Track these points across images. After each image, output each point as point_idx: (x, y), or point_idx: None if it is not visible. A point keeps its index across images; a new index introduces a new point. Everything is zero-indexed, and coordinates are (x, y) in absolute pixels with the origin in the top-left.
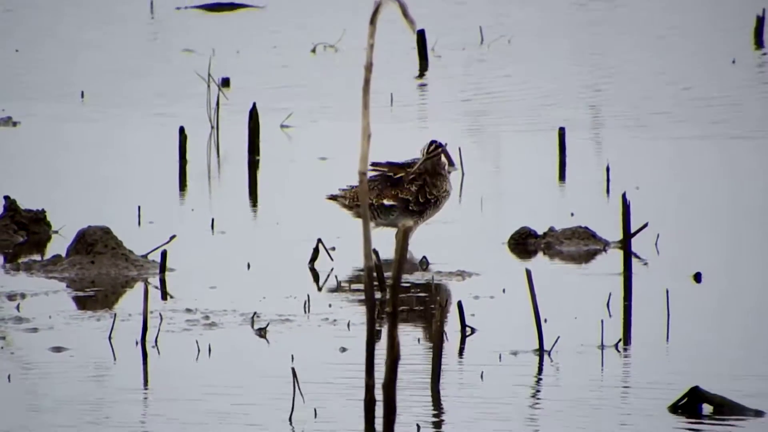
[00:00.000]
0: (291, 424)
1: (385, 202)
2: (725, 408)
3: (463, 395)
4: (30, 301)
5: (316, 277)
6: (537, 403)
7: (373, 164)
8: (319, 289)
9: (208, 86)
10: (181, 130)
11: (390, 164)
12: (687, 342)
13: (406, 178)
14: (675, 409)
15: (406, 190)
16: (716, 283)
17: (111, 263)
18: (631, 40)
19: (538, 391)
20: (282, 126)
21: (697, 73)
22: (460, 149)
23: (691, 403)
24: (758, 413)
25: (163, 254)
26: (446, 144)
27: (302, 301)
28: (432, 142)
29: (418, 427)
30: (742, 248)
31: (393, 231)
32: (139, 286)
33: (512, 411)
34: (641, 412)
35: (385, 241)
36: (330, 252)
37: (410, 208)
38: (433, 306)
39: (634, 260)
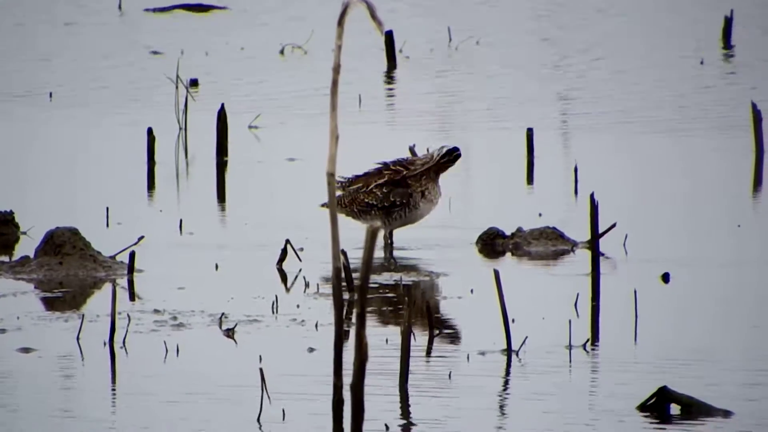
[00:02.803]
0: (259, 424)
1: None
2: (693, 408)
3: (431, 395)
4: None
5: (284, 277)
6: (505, 403)
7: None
8: (287, 289)
9: (177, 87)
10: (149, 131)
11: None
12: (655, 342)
13: (409, 174)
14: (643, 409)
15: (372, 194)
16: (684, 284)
17: (79, 264)
18: (599, 40)
19: (506, 391)
20: (250, 127)
21: (666, 74)
22: (428, 149)
23: (659, 403)
24: (726, 413)
25: (131, 255)
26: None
27: (270, 301)
28: (453, 150)
29: (387, 427)
30: (709, 248)
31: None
32: (107, 287)
33: (480, 411)
34: (609, 413)
35: (353, 242)
36: (298, 253)
37: (373, 212)
38: (401, 306)
39: (602, 260)
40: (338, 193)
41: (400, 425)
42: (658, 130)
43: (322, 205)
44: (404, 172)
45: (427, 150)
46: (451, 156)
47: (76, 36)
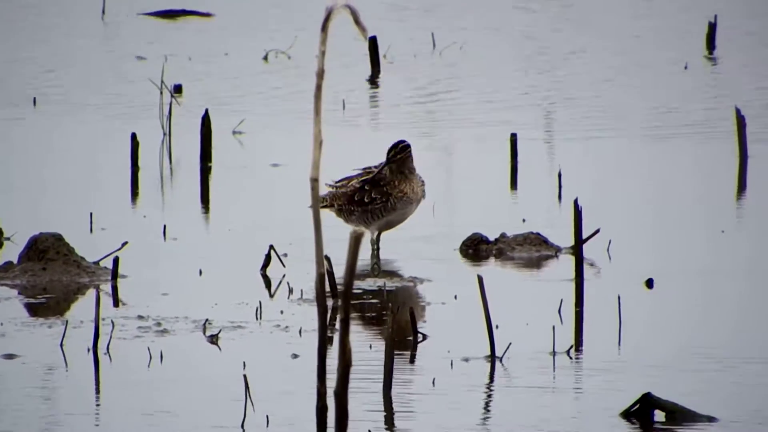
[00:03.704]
0: (243, 430)
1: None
2: (677, 414)
3: (415, 401)
4: None
5: (268, 283)
6: (488, 410)
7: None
8: (271, 295)
9: (161, 93)
10: (133, 136)
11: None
12: (639, 348)
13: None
14: (627, 415)
15: (342, 194)
16: (668, 289)
17: (63, 270)
18: (583, 45)
19: (490, 397)
20: (234, 132)
21: (650, 79)
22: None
23: (643, 410)
24: (710, 419)
25: (115, 261)
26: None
27: (254, 307)
28: (397, 143)
29: None
30: (693, 254)
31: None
32: (91, 293)
33: (464, 417)
34: (593, 419)
35: (338, 247)
36: (282, 258)
37: (342, 209)
38: (384, 312)
39: (586, 266)
40: (329, 190)
41: (383, 431)
42: (642, 135)
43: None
44: (372, 174)
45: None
46: (397, 149)
47: (60, 41)
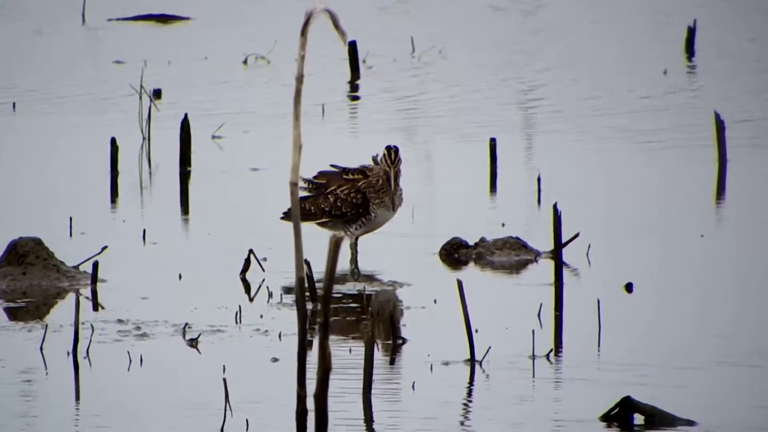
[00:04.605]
0: None
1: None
2: (657, 418)
3: (395, 405)
4: None
5: (247, 287)
6: (468, 414)
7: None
8: (251, 299)
9: (140, 97)
10: (113, 141)
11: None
12: (618, 352)
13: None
14: (606, 419)
15: (325, 200)
16: (647, 293)
17: (42, 274)
18: (562, 50)
19: (470, 401)
20: (213, 137)
21: (630, 83)
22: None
23: (622, 414)
24: (689, 423)
25: (95, 265)
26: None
27: (234, 311)
28: (393, 149)
29: None
30: (672, 258)
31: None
32: (71, 297)
33: (444, 421)
34: (573, 423)
35: (317, 251)
36: (261, 263)
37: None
38: (364, 316)
39: (565, 270)
40: (305, 194)
41: None
42: (621, 139)
43: (283, 217)
44: (360, 184)
45: (373, 159)
46: (395, 154)
47: (39, 45)
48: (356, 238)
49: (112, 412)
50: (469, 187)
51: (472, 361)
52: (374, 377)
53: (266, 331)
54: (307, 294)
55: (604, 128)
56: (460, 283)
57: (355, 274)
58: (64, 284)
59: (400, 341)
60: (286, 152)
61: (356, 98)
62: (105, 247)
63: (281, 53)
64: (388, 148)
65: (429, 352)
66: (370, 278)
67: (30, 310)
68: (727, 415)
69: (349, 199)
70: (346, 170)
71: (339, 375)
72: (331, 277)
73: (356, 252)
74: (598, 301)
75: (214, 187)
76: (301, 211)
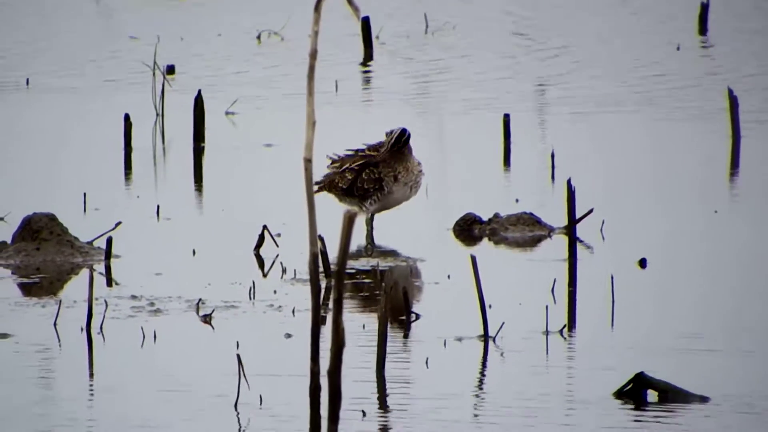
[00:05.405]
0: (236, 410)
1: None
2: (670, 394)
3: (409, 381)
4: None
5: (261, 263)
6: (482, 389)
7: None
8: (265, 275)
9: (153, 73)
10: (126, 117)
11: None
12: (632, 328)
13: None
14: (620, 395)
15: (343, 177)
16: (661, 269)
17: (56, 250)
18: (576, 25)
19: (483, 377)
20: (227, 113)
21: (643, 59)
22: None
23: (636, 390)
24: (703, 399)
25: (109, 241)
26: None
27: (247, 287)
28: (399, 133)
29: (364, 413)
30: (686, 234)
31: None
32: (85, 273)
33: (457, 397)
34: (586, 399)
35: (331, 228)
36: (275, 238)
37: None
38: (378, 292)
39: (579, 246)
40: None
41: (377, 411)
42: (635, 115)
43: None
44: (372, 158)
45: (386, 135)
46: (399, 138)
47: (52, 21)
48: (372, 215)
49: (125, 388)
50: (483, 163)
51: (485, 336)
52: (388, 353)
53: (280, 306)
54: (321, 270)
55: (618, 104)
56: (473, 259)
57: (369, 249)
58: (78, 260)
59: (414, 317)
60: (299, 128)
61: (369, 75)
62: (119, 223)
63: (295, 29)
64: (397, 135)
65: (442, 327)
66: (383, 254)
67: (44, 285)
68: (740, 392)
69: (364, 175)
70: (360, 150)
71: (352, 351)
72: (345, 252)
73: (372, 228)
74: (612, 277)
75: (228, 163)
76: (329, 184)
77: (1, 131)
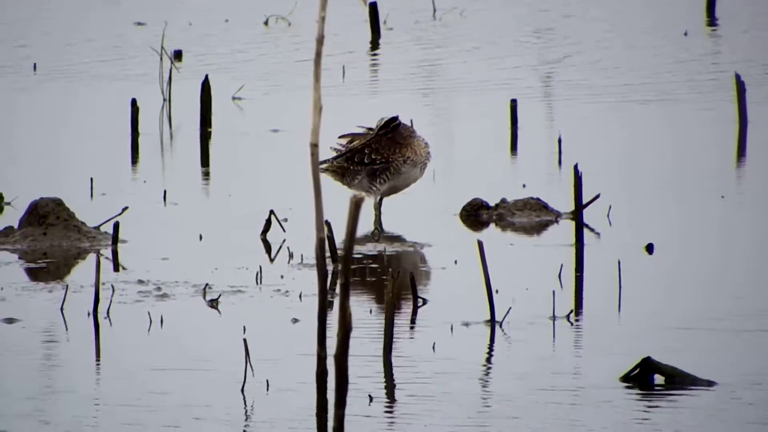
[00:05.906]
0: (243, 395)
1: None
2: (677, 378)
3: (415, 366)
4: None
5: (268, 248)
6: (488, 374)
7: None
8: (272, 260)
9: (161, 59)
10: (134, 102)
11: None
12: (639, 313)
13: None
14: (627, 379)
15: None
16: (668, 255)
17: (63, 235)
18: (584, 11)
19: (490, 362)
20: (234, 98)
21: (650, 45)
22: (411, 121)
23: (643, 374)
24: (710, 383)
25: (116, 226)
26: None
27: (254, 272)
28: (387, 122)
29: (371, 398)
30: (693, 219)
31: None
32: (92, 258)
33: (463, 382)
34: (593, 383)
35: (338, 212)
36: (282, 223)
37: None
38: (385, 277)
39: (586, 231)
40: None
41: (384, 396)
42: (641, 101)
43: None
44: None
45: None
46: (389, 127)
47: (59, 7)
48: (380, 198)
49: (132, 372)
50: (490, 148)
51: (492, 321)
52: (394, 338)
53: (287, 291)
54: (328, 255)
55: (624, 89)
56: (480, 244)
57: (377, 234)
58: (85, 245)
59: (421, 302)
60: (306, 113)
61: (377, 60)
62: (126, 208)
63: (302, 14)
64: (386, 122)
65: (449, 312)
66: (390, 239)
67: (51, 270)
68: (746, 376)
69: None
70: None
71: (359, 336)
72: (352, 237)
73: (380, 212)
74: (619, 262)
75: (235, 148)
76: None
77: (9, 116)
